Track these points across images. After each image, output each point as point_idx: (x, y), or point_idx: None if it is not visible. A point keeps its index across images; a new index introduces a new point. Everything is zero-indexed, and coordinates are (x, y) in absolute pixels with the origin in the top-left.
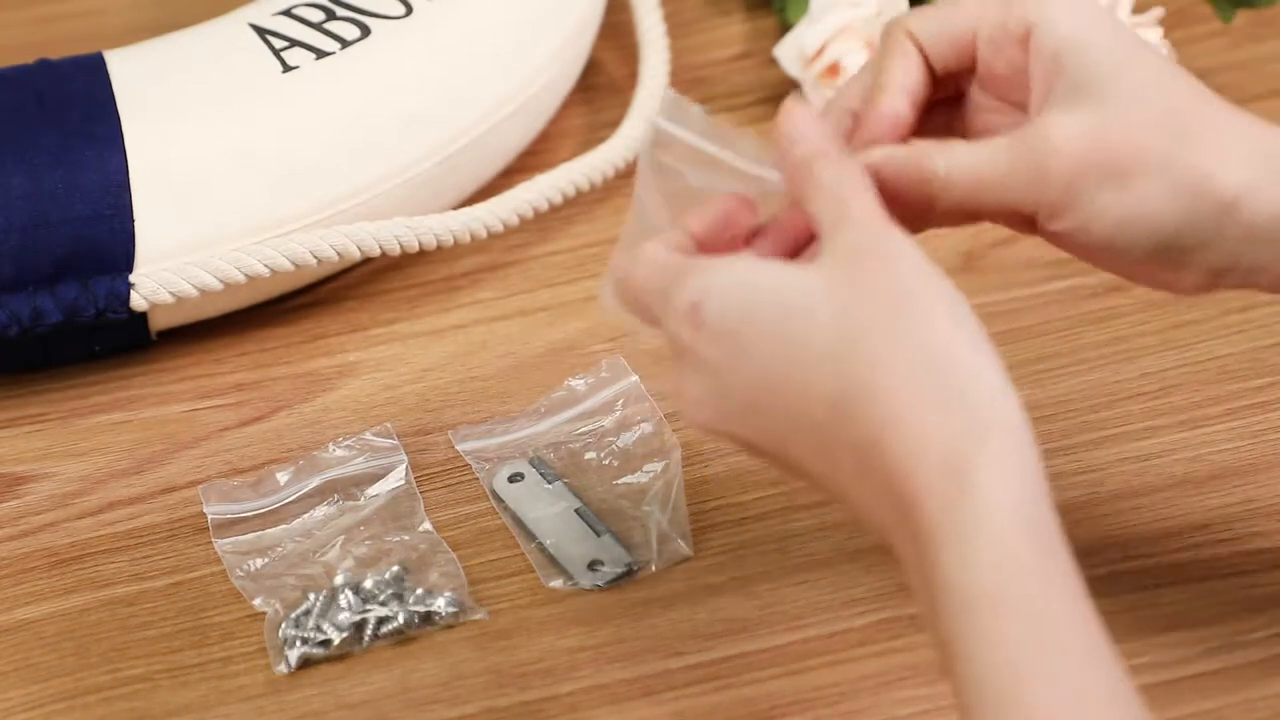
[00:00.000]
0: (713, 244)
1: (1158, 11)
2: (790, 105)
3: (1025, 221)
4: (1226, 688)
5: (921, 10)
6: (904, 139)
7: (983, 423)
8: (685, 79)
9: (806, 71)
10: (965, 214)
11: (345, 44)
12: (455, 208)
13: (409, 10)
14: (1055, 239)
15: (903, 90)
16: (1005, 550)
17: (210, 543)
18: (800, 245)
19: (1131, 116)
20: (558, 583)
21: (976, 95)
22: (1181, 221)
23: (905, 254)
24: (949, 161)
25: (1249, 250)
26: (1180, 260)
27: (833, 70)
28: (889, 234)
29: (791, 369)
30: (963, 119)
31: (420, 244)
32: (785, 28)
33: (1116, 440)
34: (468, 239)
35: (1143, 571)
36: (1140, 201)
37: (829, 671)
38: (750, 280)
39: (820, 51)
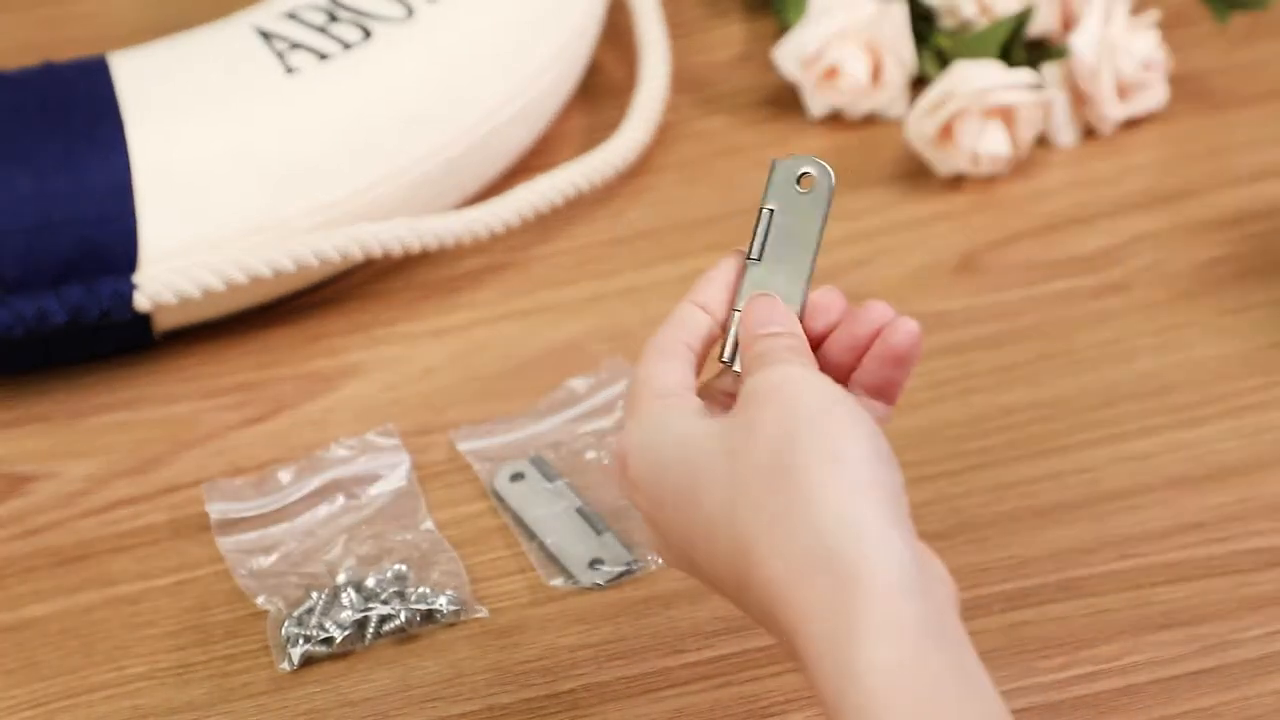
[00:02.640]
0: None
1: (1154, 14)
2: (760, 299)
3: None
4: (1221, 685)
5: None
6: None
7: (859, 591)
8: (685, 80)
9: (805, 73)
10: None
11: (347, 46)
12: (457, 209)
13: (410, 13)
14: None
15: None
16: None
17: (213, 541)
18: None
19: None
20: (559, 581)
21: None
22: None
23: (793, 387)
24: None
25: None
26: None
27: (831, 72)
28: (786, 370)
29: (699, 528)
30: None
31: (422, 245)
32: (784, 30)
33: (1113, 440)
34: (469, 240)
35: (1139, 570)
36: None
37: None
38: (659, 438)
39: (819, 54)
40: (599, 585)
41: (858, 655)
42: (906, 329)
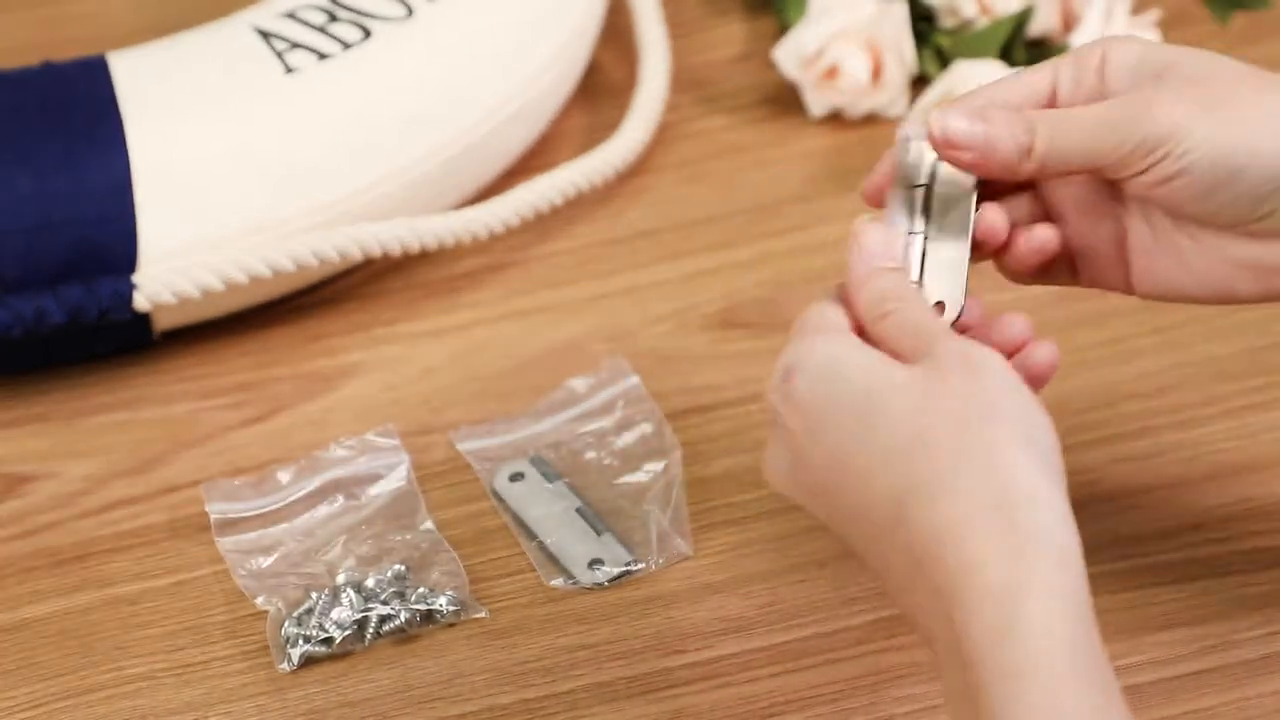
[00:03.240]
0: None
1: (1154, 13)
2: (861, 231)
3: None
4: (1221, 686)
5: (1002, 81)
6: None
7: (1036, 551)
8: (685, 80)
9: (805, 73)
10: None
11: (347, 46)
12: (456, 208)
13: (410, 12)
14: (1150, 192)
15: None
16: (1053, 693)
17: (213, 542)
18: None
19: (1220, 77)
20: (558, 581)
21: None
22: (1250, 158)
23: (992, 367)
24: (1054, 125)
25: None
26: (1249, 215)
27: (831, 72)
28: (977, 348)
29: (861, 458)
30: (1043, 200)
31: (422, 244)
32: (784, 29)
33: (1113, 440)
34: (469, 240)
35: (1138, 571)
36: (1242, 128)
37: (827, 670)
38: (842, 361)
39: (819, 53)
40: (599, 585)
41: (1029, 613)
42: (1048, 353)
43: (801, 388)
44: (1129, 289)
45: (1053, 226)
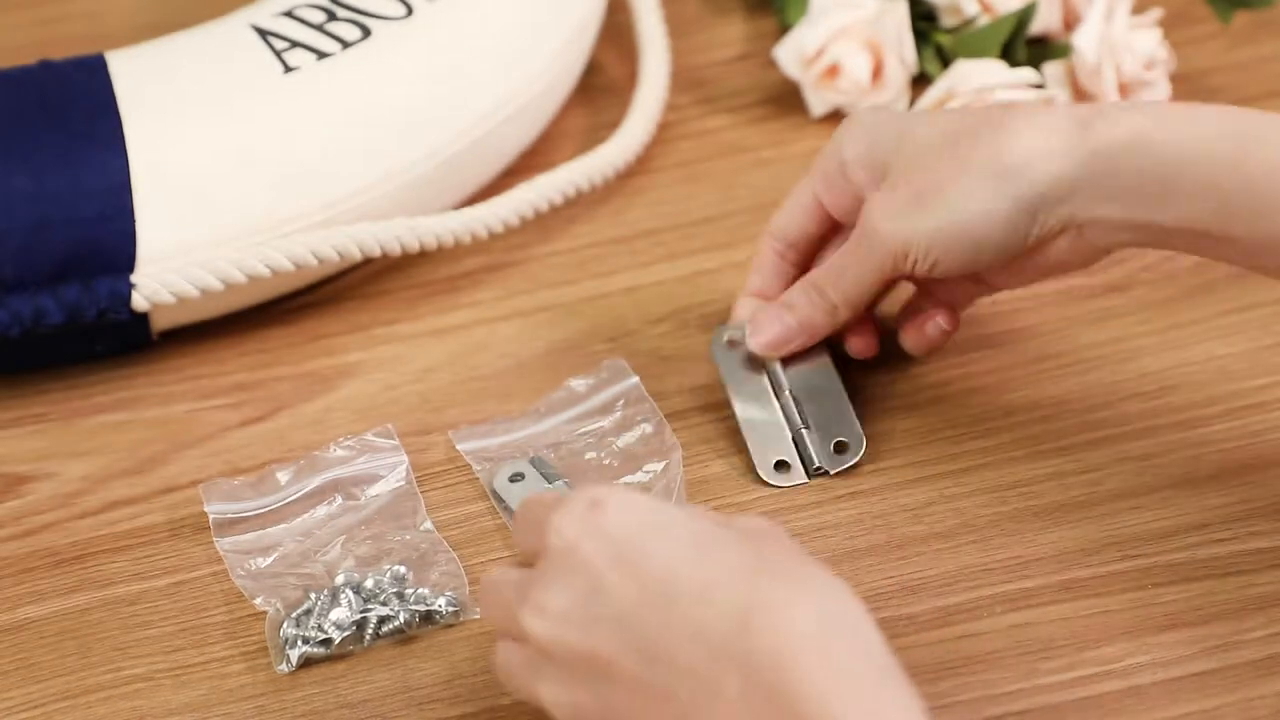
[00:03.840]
0: None
1: (1156, 13)
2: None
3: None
4: (1224, 687)
5: (781, 217)
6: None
7: (890, 671)
8: (685, 79)
9: (806, 72)
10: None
11: (346, 45)
12: (456, 208)
13: (409, 11)
14: (975, 282)
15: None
16: None
17: (211, 542)
18: None
19: (926, 166)
20: None
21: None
22: (1003, 200)
23: (787, 537)
24: (836, 287)
25: (1075, 202)
26: (1041, 243)
27: (832, 71)
28: (771, 527)
29: (698, 575)
30: None
31: (421, 244)
32: (784, 29)
33: (1115, 440)
34: (468, 239)
35: (1141, 571)
36: (963, 204)
37: None
38: (659, 504)
39: (819, 53)
40: None
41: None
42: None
43: (614, 518)
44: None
45: (943, 316)
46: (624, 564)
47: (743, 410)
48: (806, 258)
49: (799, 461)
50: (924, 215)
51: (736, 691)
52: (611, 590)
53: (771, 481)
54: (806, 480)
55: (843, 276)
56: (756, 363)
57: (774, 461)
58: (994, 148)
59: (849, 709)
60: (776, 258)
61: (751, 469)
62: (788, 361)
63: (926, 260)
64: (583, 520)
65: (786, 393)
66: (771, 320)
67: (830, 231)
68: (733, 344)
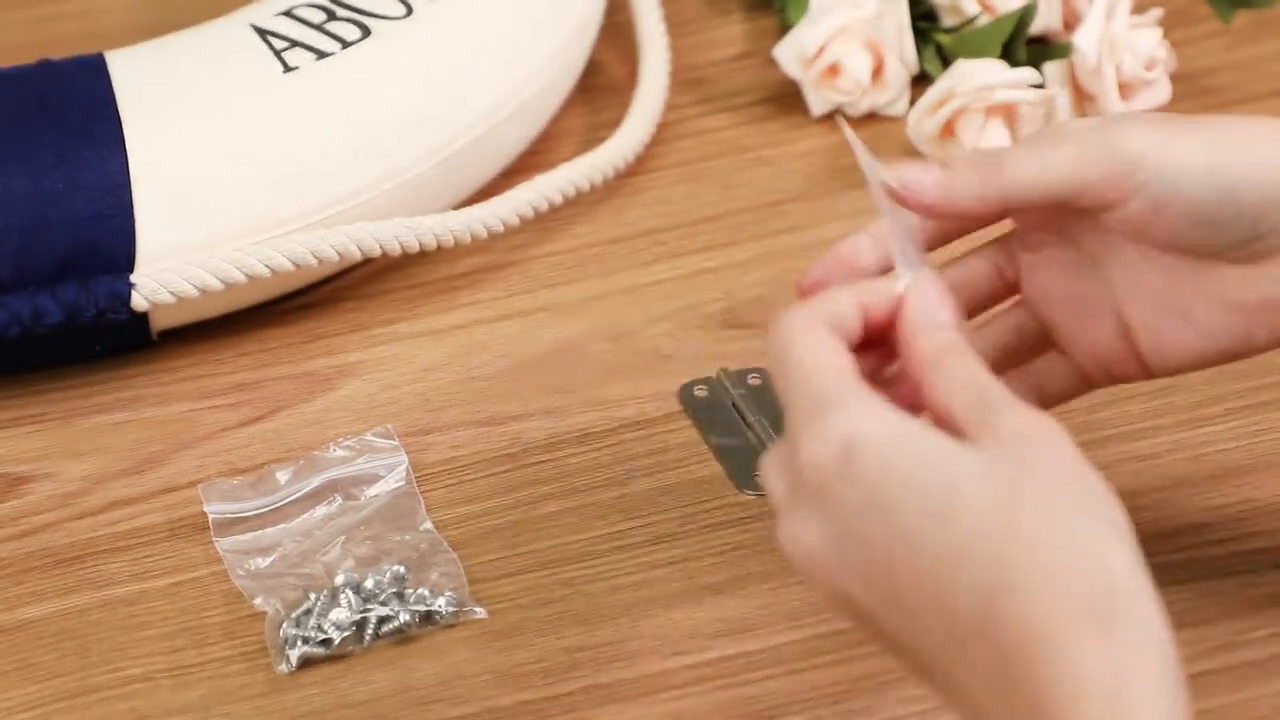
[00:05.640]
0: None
1: (1156, 12)
2: (919, 282)
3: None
4: (1225, 687)
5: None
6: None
7: (1141, 650)
8: (685, 79)
9: (806, 72)
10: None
11: (346, 44)
12: (455, 208)
13: (409, 11)
14: (1123, 230)
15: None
16: None
17: (211, 542)
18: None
19: (1193, 132)
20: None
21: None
22: (1248, 171)
23: (1064, 443)
24: (1016, 171)
25: None
26: (1250, 234)
27: (832, 71)
28: (1039, 420)
29: (939, 548)
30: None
31: (420, 244)
32: (785, 28)
33: (1116, 440)
34: (468, 239)
35: None
36: (1216, 157)
37: (829, 671)
38: (909, 439)
39: (820, 52)
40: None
41: (1138, 709)
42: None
43: (866, 464)
44: (1146, 373)
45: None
46: (876, 516)
47: (716, 440)
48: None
49: None
50: (1190, 140)
51: (986, 669)
52: (862, 540)
53: (751, 494)
54: None
55: (1029, 159)
56: (723, 402)
57: (751, 477)
58: None
59: (1092, 701)
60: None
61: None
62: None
63: (1148, 195)
64: (836, 463)
65: (754, 419)
66: (920, 170)
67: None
68: (699, 395)
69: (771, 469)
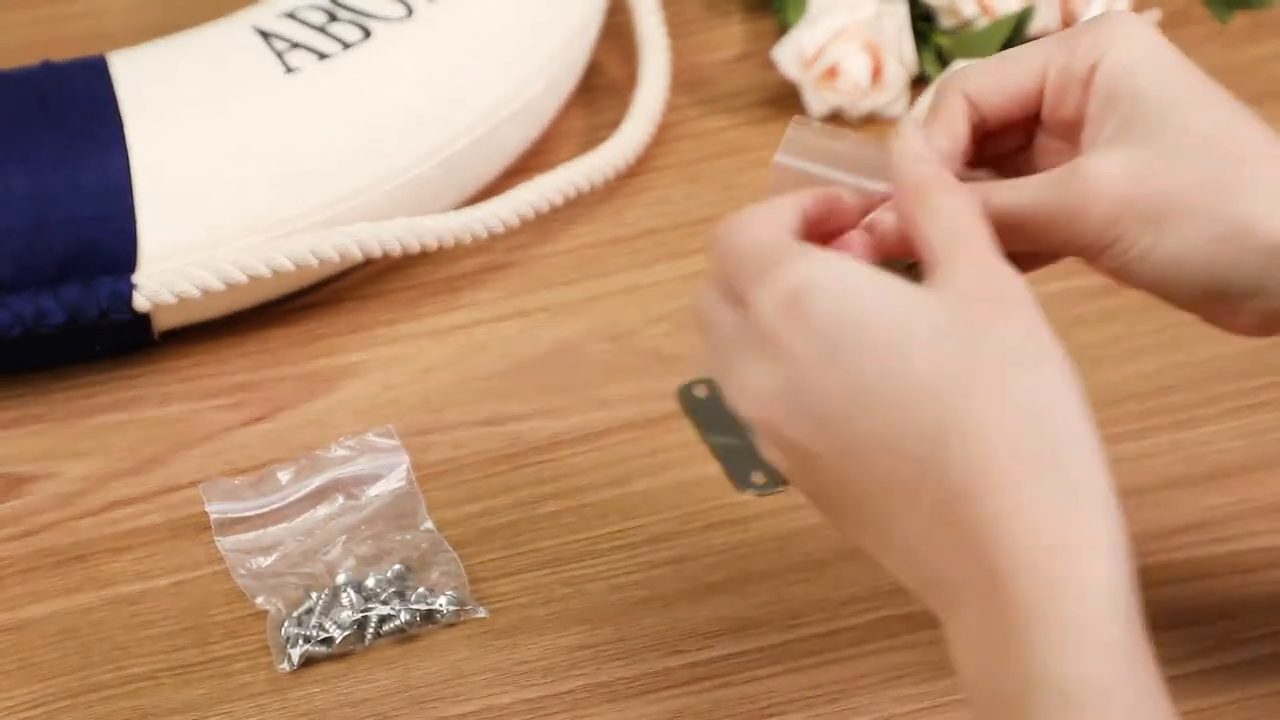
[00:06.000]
0: (814, 234)
1: (1155, 13)
2: (907, 128)
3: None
4: (1221, 686)
5: (979, 65)
6: None
7: (1084, 498)
8: (685, 80)
9: (805, 73)
10: (1008, 249)
11: (347, 46)
12: (456, 208)
13: (410, 12)
14: (1105, 273)
15: (937, 155)
16: (1111, 645)
17: (213, 542)
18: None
19: (1175, 159)
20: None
21: (1044, 140)
22: (1230, 268)
23: (1024, 303)
24: (986, 199)
25: None
26: (1233, 304)
27: (831, 72)
28: (1008, 276)
29: (889, 391)
30: (1031, 165)
31: (421, 245)
32: (784, 29)
33: (1113, 440)
34: (469, 240)
35: (1139, 570)
36: (1184, 247)
37: (828, 669)
38: (862, 285)
39: (819, 53)
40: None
41: (1082, 568)
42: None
43: (816, 310)
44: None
45: None
46: (825, 363)
47: (716, 440)
48: (987, 134)
49: (776, 474)
50: (1156, 226)
51: (929, 510)
52: (813, 388)
53: (751, 494)
54: (785, 487)
55: (1004, 202)
56: (722, 402)
57: (750, 477)
58: (1264, 204)
59: (1033, 556)
60: (965, 119)
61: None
62: None
63: (1136, 244)
64: (785, 310)
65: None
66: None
67: (1016, 132)
68: (698, 395)
69: (716, 311)
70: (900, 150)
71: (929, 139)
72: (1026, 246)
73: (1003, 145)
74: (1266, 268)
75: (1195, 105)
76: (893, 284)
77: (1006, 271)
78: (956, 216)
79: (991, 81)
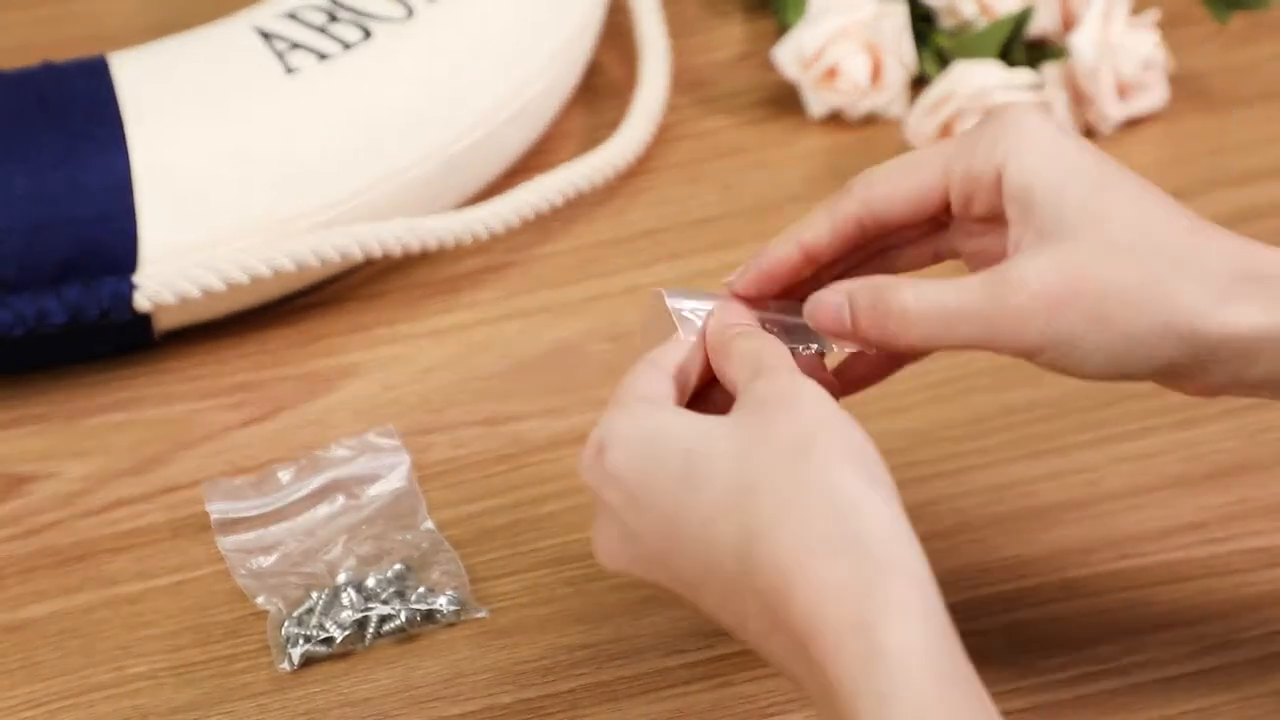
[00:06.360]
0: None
1: (1154, 14)
2: (721, 303)
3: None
4: (1221, 686)
5: (878, 172)
6: (785, 282)
7: (883, 568)
8: (685, 80)
9: (805, 73)
10: (937, 348)
11: (347, 46)
12: (456, 208)
13: (410, 13)
14: (1055, 370)
15: (798, 242)
16: (923, 705)
17: (213, 541)
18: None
19: (1107, 256)
20: None
21: (961, 223)
22: (1174, 354)
23: (807, 398)
24: (916, 295)
25: (1249, 368)
26: (1180, 382)
27: (831, 73)
28: (794, 380)
29: (693, 516)
30: (950, 244)
31: (422, 245)
32: (784, 30)
33: (1113, 440)
34: (469, 240)
35: (1138, 570)
36: (1127, 340)
37: None
38: (655, 427)
39: (818, 54)
40: None
41: (889, 636)
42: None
43: (616, 460)
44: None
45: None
46: (637, 506)
47: None
48: (880, 238)
49: None
50: (1096, 330)
51: (757, 612)
52: (636, 533)
53: None
54: None
55: (933, 307)
56: None
57: None
58: (1201, 292)
59: (841, 637)
60: (855, 223)
61: None
62: None
63: (1083, 341)
64: (595, 467)
65: None
66: (828, 306)
67: (928, 223)
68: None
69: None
70: (714, 320)
71: (737, 308)
72: (967, 345)
73: (916, 233)
74: (1211, 352)
75: (1115, 199)
76: (685, 419)
77: (791, 377)
78: (756, 350)
79: (889, 188)
